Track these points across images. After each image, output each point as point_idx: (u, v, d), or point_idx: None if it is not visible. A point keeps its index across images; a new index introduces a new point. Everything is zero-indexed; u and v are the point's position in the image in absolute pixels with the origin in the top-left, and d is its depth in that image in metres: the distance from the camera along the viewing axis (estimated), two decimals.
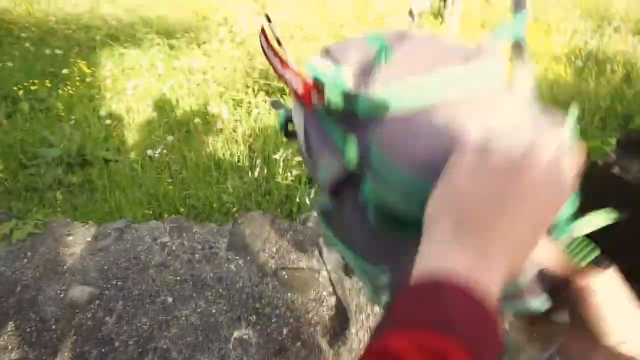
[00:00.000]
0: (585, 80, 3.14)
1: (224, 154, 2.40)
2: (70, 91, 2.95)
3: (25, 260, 0.91)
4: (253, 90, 3.13)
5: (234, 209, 1.81)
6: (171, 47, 3.91)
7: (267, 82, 3.09)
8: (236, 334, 0.77)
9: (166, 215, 1.87)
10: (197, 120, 2.58)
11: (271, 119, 2.83)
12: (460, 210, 0.25)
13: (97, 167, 2.34)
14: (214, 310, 0.81)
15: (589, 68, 3.28)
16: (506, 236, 0.24)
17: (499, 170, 0.24)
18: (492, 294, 0.23)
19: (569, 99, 2.97)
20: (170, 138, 2.51)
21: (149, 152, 2.42)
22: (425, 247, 0.25)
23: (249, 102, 3.01)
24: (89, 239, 0.98)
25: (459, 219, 0.24)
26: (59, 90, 2.94)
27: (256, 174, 2.15)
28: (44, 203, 1.90)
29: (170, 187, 2.20)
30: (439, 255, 0.24)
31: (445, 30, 3.56)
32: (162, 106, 2.97)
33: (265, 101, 3.03)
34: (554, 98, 2.93)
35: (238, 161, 2.34)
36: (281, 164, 2.03)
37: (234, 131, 2.63)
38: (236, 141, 2.53)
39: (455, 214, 0.25)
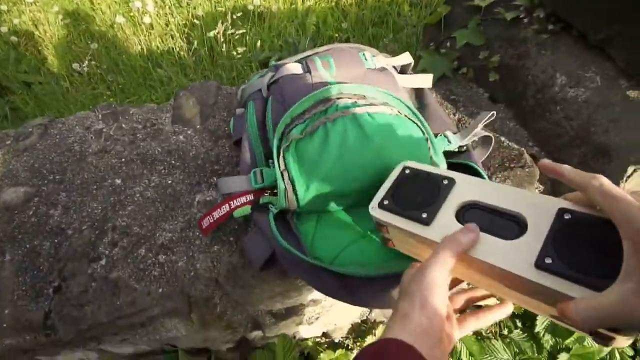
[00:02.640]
0: None
1: (160, 52, 2.12)
2: None
3: None
4: None
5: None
6: None
7: None
8: (199, 197, 0.71)
9: None
10: (120, 19, 2.21)
11: (206, 3, 2.47)
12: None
13: (18, 93, 2.04)
14: (169, 181, 0.74)
15: None
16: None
17: None
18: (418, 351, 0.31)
19: None
20: (94, 46, 2.18)
21: (75, 66, 2.11)
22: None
23: None
24: (8, 142, 0.84)
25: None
26: None
27: (200, 67, 1.92)
28: None
29: (111, 99, 1.97)
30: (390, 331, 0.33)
31: None
32: (75, 11, 2.52)
33: None
34: None
35: (179, 56, 2.08)
36: (222, 39, 1.80)
37: (167, 25, 2.29)
38: (172, 36, 2.22)
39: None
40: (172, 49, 2.09)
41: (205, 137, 0.81)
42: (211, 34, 1.87)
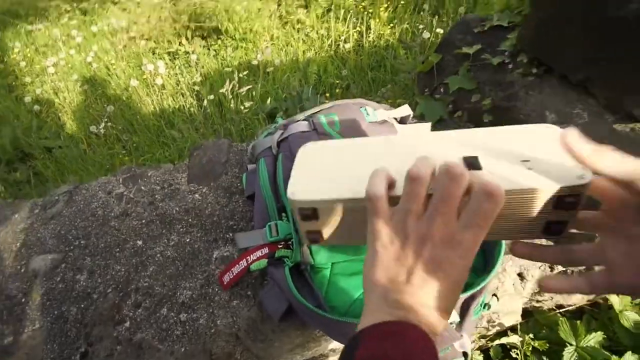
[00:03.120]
0: None
1: (172, 110, 2.25)
2: None
3: None
4: (186, 37, 2.88)
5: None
6: (83, 11, 3.50)
7: (199, 24, 2.83)
8: (216, 253, 0.74)
9: None
10: (134, 82, 2.37)
11: (213, 62, 2.64)
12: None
13: (40, 158, 2.16)
14: (188, 240, 0.77)
15: None
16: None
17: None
18: (434, 333, 0.31)
19: None
20: (110, 108, 2.32)
21: (92, 128, 2.24)
22: (376, 311, 0.33)
23: (185, 52, 2.78)
24: (36, 211, 0.90)
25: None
26: None
27: (210, 122, 2.03)
28: None
29: (126, 157, 2.07)
30: (392, 311, 0.31)
31: None
32: (92, 78, 2.71)
33: (202, 46, 2.81)
34: None
35: (189, 113, 2.20)
36: (230, 96, 1.91)
37: (177, 84, 2.44)
38: (182, 94, 2.37)
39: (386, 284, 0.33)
40: (183, 106, 2.22)
41: (220, 194, 0.85)
42: (220, 91, 1.99)
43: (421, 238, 0.31)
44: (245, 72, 2.27)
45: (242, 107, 1.91)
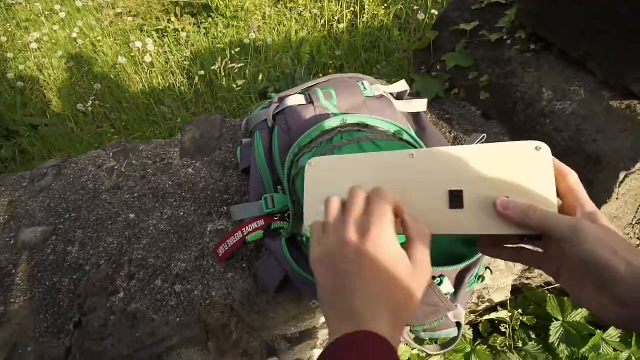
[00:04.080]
0: None
1: (162, 88, 2.20)
2: None
3: None
4: (175, 15, 2.79)
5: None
6: None
7: (188, 1, 2.75)
8: (210, 227, 0.74)
9: None
10: (122, 60, 2.30)
11: (204, 40, 2.58)
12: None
13: (25, 135, 2.10)
14: (182, 213, 0.76)
15: None
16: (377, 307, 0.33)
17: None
18: (394, 344, 0.31)
19: None
20: (98, 86, 2.26)
21: (79, 106, 2.18)
22: (333, 320, 0.34)
23: (175, 30, 2.70)
24: (24, 184, 0.87)
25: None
26: None
27: (202, 100, 1.99)
28: None
29: (115, 136, 2.02)
30: (350, 316, 0.32)
31: None
32: (78, 54, 2.63)
33: (192, 24, 2.73)
34: None
35: (180, 92, 2.15)
36: (223, 74, 1.87)
37: (167, 62, 2.38)
38: (172, 72, 2.31)
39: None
40: (173, 85, 2.17)
41: (214, 169, 0.84)
42: (212, 68, 1.94)
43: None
44: (237, 50, 2.22)
45: (234, 86, 1.88)
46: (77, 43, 2.60)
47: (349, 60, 2.34)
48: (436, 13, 2.42)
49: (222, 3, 2.60)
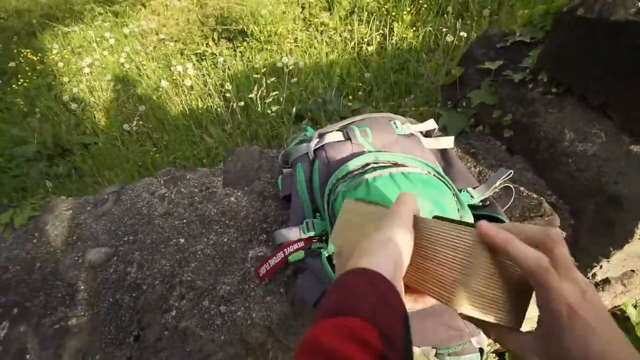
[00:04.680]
0: None
1: (200, 110, 2.35)
2: (25, 84, 2.80)
3: (35, 240, 0.93)
4: (213, 39, 2.97)
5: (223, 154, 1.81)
6: (115, 14, 3.64)
7: (225, 26, 2.92)
8: (251, 253, 0.82)
9: None
10: (164, 83, 2.48)
11: (239, 63, 2.72)
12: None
13: (78, 154, 2.30)
14: (225, 239, 0.85)
15: None
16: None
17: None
18: (385, 276, 0.32)
19: None
20: (142, 108, 2.44)
21: (125, 126, 2.36)
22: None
23: (212, 53, 2.88)
24: (89, 208, 0.99)
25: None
26: (13, 86, 2.79)
27: (237, 122, 2.11)
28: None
29: (157, 155, 2.17)
30: (345, 265, 0.35)
31: None
32: (124, 77, 2.84)
33: (228, 48, 2.90)
34: None
35: (217, 113, 2.29)
36: (258, 101, 1.99)
37: (205, 85, 2.54)
38: (210, 95, 2.46)
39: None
40: (211, 107, 2.31)
41: (253, 198, 0.93)
42: (249, 96, 2.06)
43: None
44: (272, 79, 2.33)
45: (269, 111, 1.99)
46: (124, 67, 2.82)
47: (378, 82, 2.42)
48: (465, 35, 2.46)
49: (256, 28, 2.75)
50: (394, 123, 0.84)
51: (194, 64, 2.76)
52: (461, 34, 2.44)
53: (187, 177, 1.02)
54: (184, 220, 0.91)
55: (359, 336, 0.26)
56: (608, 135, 0.73)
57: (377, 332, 0.27)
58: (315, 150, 0.83)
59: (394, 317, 0.29)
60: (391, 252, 0.35)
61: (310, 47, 2.79)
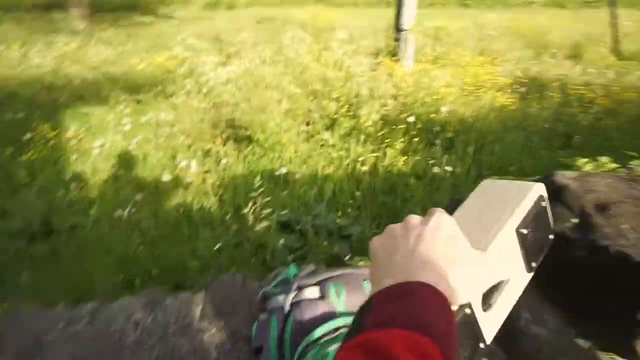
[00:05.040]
0: (529, 105, 3.42)
1: (194, 208, 2.42)
2: (34, 156, 2.92)
3: None
4: (221, 138, 3.20)
5: (207, 267, 1.82)
6: (138, 102, 3.95)
7: (234, 130, 3.17)
8: None
9: (138, 281, 1.85)
10: (165, 175, 2.60)
11: (240, 166, 2.89)
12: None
13: (63, 236, 2.29)
14: None
15: (531, 94, 3.58)
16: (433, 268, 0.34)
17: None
18: (451, 299, 0.31)
19: (516, 123, 3.22)
20: (139, 196, 2.51)
21: (118, 212, 2.41)
22: (384, 277, 0.34)
23: (217, 152, 3.06)
24: (60, 325, 0.98)
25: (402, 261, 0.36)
26: (22, 157, 2.90)
27: (227, 228, 2.17)
28: (8, 285, 1.82)
29: (141, 247, 2.18)
30: (404, 274, 0.33)
31: (402, 67, 3.82)
32: (129, 163, 2.97)
33: (234, 149, 3.09)
34: (503, 124, 3.17)
35: (209, 214, 2.36)
36: (251, 216, 2.07)
37: (204, 182, 2.66)
38: (206, 193, 2.56)
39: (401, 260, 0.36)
40: (205, 206, 2.40)
41: (227, 339, 0.93)
42: (243, 212, 2.14)
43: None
44: (268, 184, 2.46)
45: (260, 218, 2.06)
46: (131, 153, 2.98)
47: (366, 202, 2.55)
48: (450, 169, 2.68)
49: (262, 136, 2.99)
50: (368, 283, 0.90)
51: (199, 160, 2.92)
52: (446, 167, 2.67)
53: (167, 302, 1.03)
54: (153, 355, 0.90)
55: (428, 358, 0.26)
56: (558, 324, 0.79)
57: (442, 358, 0.26)
58: (291, 304, 0.87)
59: (454, 340, 0.29)
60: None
61: (309, 158, 3.01)
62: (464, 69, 3.84)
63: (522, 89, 3.66)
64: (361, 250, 2.05)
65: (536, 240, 0.47)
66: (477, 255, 0.37)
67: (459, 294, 0.33)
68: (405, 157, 2.89)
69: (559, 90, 3.48)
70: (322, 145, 3.15)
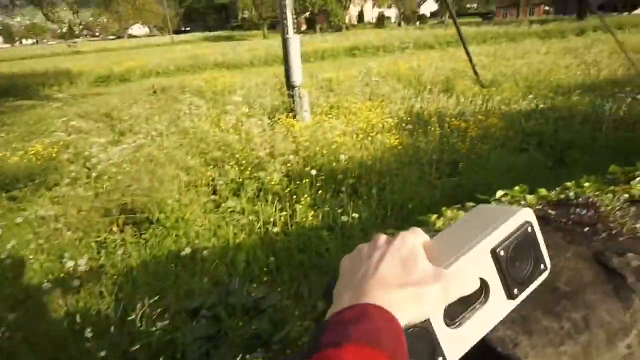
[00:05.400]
0: (417, 140, 3.76)
1: (86, 315, 2.11)
2: None
3: None
4: (117, 226, 2.92)
5: None
6: (13, 198, 3.48)
7: (131, 214, 2.93)
8: None
9: None
10: (47, 283, 2.25)
11: (142, 253, 2.64)
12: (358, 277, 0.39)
13: None
14: None
15: (417, 129, 3.96)
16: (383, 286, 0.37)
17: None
18: (401, 318, 0.35)
19: (409, 158, 3.50)
20: (12, 316, 2.12)
21: None
22: (337, 300, 0.37)
23: (114, 241, 2.78)
24: None
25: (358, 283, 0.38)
26: None
27: (128, 332, 1.90)
28: None
29: None
30: (359, 293, 0.36)
31: (299, 122, 3.97)
32: (3, 274, 2.54)
33: (133, 235, 2.83)
34: (397, 161, 3.41)
35: (105, 320, 2.06)
36: (143, 322, 1.85)
37: (98, 282, 2.35)
38: (100, 293, 2.26)
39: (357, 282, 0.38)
40: (100, 311, 2.09)
41: None
42: (129, 318, 1.88)
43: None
44: (170, 285, 2.25)
45: (154, 329, 1.83)
46: (4, 263, 2.55)
47: (281, 266, 2.48)
48: (357, 216, 2.76)
49: (162, 215, 2.79)
50: None
51: (91, 256, 2.60)
52: (354, 214, 2.74)
53: None
54: None
55: None
56: None
57: None
58: None
59: (404, 357, 0.32)
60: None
61: (218, 229, 2.87)
62: (355, 115, 4.13)
63: (409, 126, 4.03)
64: (282, 323, 1.94)
65: (520, 268, 0.47)
66: (436, 273, 0.39)
67: (410, 313, 0.36)
68: (314, 211, 2.91)
69: (438, 123, 3.90)
70: (231, 212, 3.05)
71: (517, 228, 0.46)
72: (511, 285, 0.46)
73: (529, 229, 0.47)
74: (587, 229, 0.94)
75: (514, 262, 0.46)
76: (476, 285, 0.43)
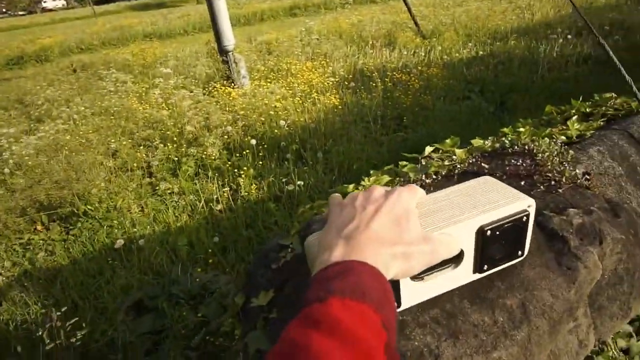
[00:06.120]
0: (361, 98, 3.66)
1: (8, 333, 1.90)
2: None
3: None
4: (42, 224, 2.65)
5: None
6: None
7: (55, 209, 2.65)
8: None
9: None
10: None
11: (71, 254, 2.41)
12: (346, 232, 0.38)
13: None
14: None
15: (360, 87, 3.84)
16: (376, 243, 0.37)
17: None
18: (385, 272, 0.35)
19: (354, 117, 3.40)
20: None
21: None
22: (326, 253, 0.36)
23: (40, 241, 2.52)
24: None
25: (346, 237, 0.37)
26: None
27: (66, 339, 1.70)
28: None
29: None
30: (349, 246, 0.36)
31: (236, 90, 3.71)
32: None
33: (60, 231, 2.58)
34: (342, 121, 3.31)
35: (33, 331, 1.87)
36: (58, 337, 1.67)
37: (21, 291, 2.12)
38: (26, 303, 2.05)
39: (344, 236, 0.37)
40: (27, 320, 1.89)
41: None
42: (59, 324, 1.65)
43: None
44: (107, 282, 2.05)
45: (73, 340, 1.63)
46: None
47: (229, 243, 2.36)
48: (302, 183, 2.66)
49: (89, 207, 2.54)
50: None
51: (16, 260, 2.33)
52: (299, 182, 2.64)
53: None
54: None
55: (370, 322, 0.30)
56: None
57: (381, 322, 0.30)
58: None
59: (391, 312, 0.33)
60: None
61: (158, 213, 2.66)
62: (296, 77, 3.93)
63: (352, 84, 3.90)
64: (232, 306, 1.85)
65: (498, 249, 0.48)
66: (426, 236, 0.39)
67: (396, 271, 0.36)
68: (259, 183, 2.78)
69: (381, 79, 3.80)
70: (169, 194, 2.83)
71: (514, 214, 0.46)
72: (483, 262, 0.47)
73: (524, 219, 0.47)
74: (523, 182, 0.85)
75: (495, 242, 0.47)
76: (457, 252, 0.44)
